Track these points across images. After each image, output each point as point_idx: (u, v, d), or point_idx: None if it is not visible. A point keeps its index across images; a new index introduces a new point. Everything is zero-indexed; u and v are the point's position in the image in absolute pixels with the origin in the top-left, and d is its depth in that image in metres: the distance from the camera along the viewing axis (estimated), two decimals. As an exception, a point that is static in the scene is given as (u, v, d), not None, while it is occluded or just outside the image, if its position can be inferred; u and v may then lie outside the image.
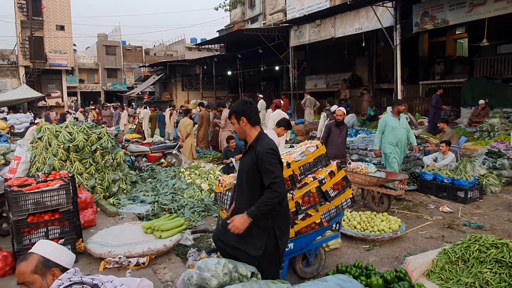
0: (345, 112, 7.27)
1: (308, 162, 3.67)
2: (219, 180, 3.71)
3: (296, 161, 3.58)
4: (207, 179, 7.44)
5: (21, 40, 31.37)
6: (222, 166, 8.61)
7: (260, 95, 16.96)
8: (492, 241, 3.45)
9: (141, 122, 17.51)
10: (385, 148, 6.72)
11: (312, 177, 3.64)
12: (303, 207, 3.51)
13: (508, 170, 7.57)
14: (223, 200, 3.50)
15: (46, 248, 2.02)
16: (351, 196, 3.88)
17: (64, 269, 2.00)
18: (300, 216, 3.51)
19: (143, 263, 4.17)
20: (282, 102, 13.78)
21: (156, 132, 16.08)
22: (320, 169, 3.75)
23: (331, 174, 3.70)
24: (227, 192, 3.43)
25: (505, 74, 12.79)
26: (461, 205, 6.25)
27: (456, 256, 3.48)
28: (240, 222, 2.70)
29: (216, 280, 2.87)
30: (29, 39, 31.43)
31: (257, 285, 2.64)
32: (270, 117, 8.52)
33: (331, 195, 3.67)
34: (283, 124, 5.89)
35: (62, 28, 34.09)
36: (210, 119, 11.97)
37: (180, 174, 7.90)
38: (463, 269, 3.37)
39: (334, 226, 3.94)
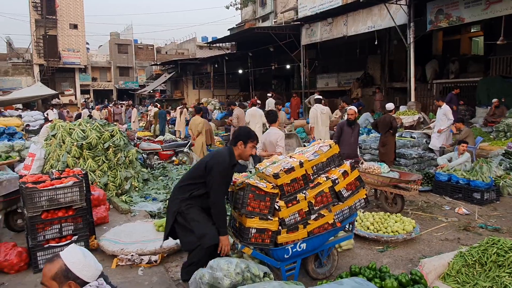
0: (356, 111, 7.19)
1: (321, 161, 3.62)
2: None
3: (309, 161, 3.54)
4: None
5: (35, 38, 31.84)
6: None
7: (268, 94, 17.06)
8: (511, 244, 3.36)
9: (152, 120, 17.67)
10: None
11: (325, 176, 3.60)
12: (316, 207, 3.48)
13: (526, 171, 7.40)
14: (235, 199, 3.48)
15: (72, 257, 1.93)
16: (364, 196, 3.82)
17: (84, 283, 1.91)
18: (313, 216, 3.48)
19: (155, 261, 4.19)
20: (259, 101, 14.38)
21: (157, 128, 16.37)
22: (333, 169, 3.70)
23: (345, 174, 3.65)
24: (239, 192, 3.41)
25: (522, 73, 12.50)
26: (477, 207, 6.12)
27: (473, 259, 3.40)
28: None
29: (228, 279, 2.86)
30: (43, 37, 31.88)
31: (270, 285, 2.62)
32: (247, 114, 9.70)
33: (344, 195, 3.62)
34: (274, 118, 5.92)
35: (75, 26, 34.50)
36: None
37: (191, 172, 7.91)
38: (480, 273, 3.30)
39: (347, 226, 3.89)
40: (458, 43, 17.01)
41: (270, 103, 14.92)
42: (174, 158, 9.75)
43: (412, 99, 12.25)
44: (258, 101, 14.56)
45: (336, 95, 18.67)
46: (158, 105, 18.97)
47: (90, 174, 6.18)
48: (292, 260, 3.51)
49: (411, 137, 9.50)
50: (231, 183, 3.54)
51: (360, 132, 9.50)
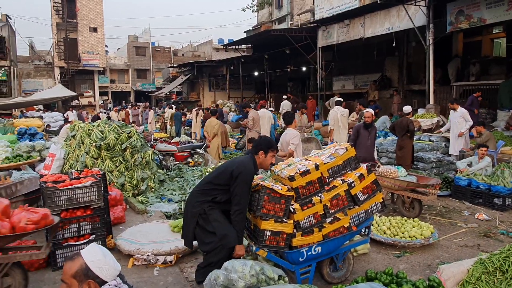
0: (373, 113, 7.10)
1: (337, 164, 3.59)
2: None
3: (324, 163, 3.51)
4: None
5: (56, 41, 32.65)
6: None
7: (284, 96, 17.14)
8: (534, 252, 3.26)
9: (167, 122, 17.99)
10: None
11: (341, 180, 3.56)
12: (331, 211, 3.45)
13: (550, 177, 7.15)
14: (250, 201, 3.47)
15: (92, 256, 1.96)
16: (381, 200, 3.76)
17: (103, 282, 1.94)
18: (328, 220, 3.45)
19: (171, 262, 4.22)
20: (269, 102, 14.68)
21: (173, 129, 16.81)
22: (350, 172, 3.66)
23: (361, 177, 3.61)
24: (254, 194, 3.40)
25: (547, 76, 12.12)
26: (498, 213, 5.95)
27: (494, 266, 3.30)
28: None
29: (243, 281, 2.86)
30: (64, 40, 32.66)
31: (285, 289, 2.60)
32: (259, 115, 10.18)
33: (360, 199, 3.58)
34: (289, 120, 6.14)
35: (95, 30, 35.23)
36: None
37: (207, 173, 7.96)
38: (501, 281, 3.20)
39: (363, 230, 3.84)
40: (479, 45, 16.62)
41: (285, 105, 14.92)
42: (189, 159, 9.82)
43: (431, 101, 12.03)
44: (268, 103, 14.78)
45: (353, 98, 18.47)
46: (174, 107, 19.27)
47: (108, 175, 6.28)
48: (307, 264, 3.48)
49: (430, 140, 9.32)
50: None
51: (377, 135, 9.38)
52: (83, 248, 2.03)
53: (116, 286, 1.96)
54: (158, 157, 8.86)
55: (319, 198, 3.41)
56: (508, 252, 3.36)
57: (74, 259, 1.96)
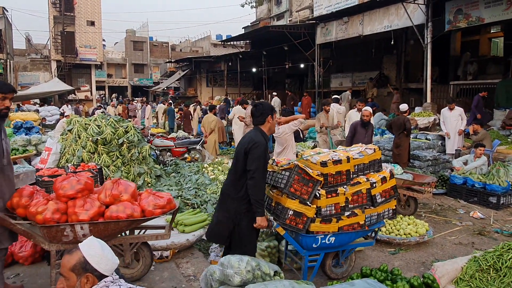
0: (371, 112, 7.12)
1: (363, 162, 3.65)
2: (273, 159, 3.74)
3: (353, 158, 3.57)
4: (230, 175, 7.46)
5: (53, 35, 32.42)
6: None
7: (274, 93, 17.62)
8: (527, 250, 3.29)
9: (157, 117, 18.64)
10: None
11: (366, 178, 3.62)
12: (351, 205, 3.52)
13: (544, 176, 7.20)
14: (277, 179, 3.50)
15: (90, 249, 1.97)
16: (394, 207, 3.80)
17: (101, 275, 1.95)
18: (346, 213, 3.51)
19: (167, 257, 4.23)
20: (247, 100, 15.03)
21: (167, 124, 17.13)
22: (372, 173, 3.71)
23: (383, 180, 3.66)
24: (283, 172, 3.44)
25: (543, 75, 12.18)
26: (493, 211, 6.00)
27: (488, 264, 3.33)
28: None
29: (239, 277, 2.86)
30: (61, 34, 32.45)
31: (280, 284, 2.62)
32: (232, 111, 11.35)
33: (378, 201, 3.63)
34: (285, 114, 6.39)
35: (92, 23, 35.00)
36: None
37: (204, 169, 7.96)
38: (494, 278, 3.23)
39: (370, 233, 3.90)
40: (477, 44, 16.66)
41: (275, 102, 15.10)
42: (186, 155, 9.81)
43: (428, 100, 12.06)
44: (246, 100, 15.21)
45: (351, 95, 18.48)
46: (167, 102, 19.69)
47: (104, 169, 6.27)
48: (317, 252, 3.55)
49: (426, 139, 9.36)
50: (275, 164, 3.59)
51: (374, 133, 9.40)
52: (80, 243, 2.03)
53: (112, 281, 1.96)
54: (155, 152, 8.84)
55: (344, 189, 3.47)
56: (502, 250, 3.39)
57: (72, 252, 1.97)
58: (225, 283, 2.94)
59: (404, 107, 8.23)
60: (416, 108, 12.73)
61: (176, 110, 17.21)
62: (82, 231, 3.21)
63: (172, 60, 34.34)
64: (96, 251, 1.97)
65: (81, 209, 3.22)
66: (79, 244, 2.01)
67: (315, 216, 3.38)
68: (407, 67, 17.09)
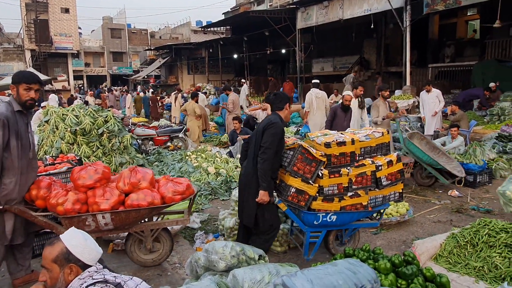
0: (352, 96, 7.18)
1: (370, 145, 3.69)
2: None
3: (360, 141, 3.62)
4: (214, 162, 7.45)
5: (26, 23, 31.22)
6: (228, 149, 8.60)
7: (243, 80, 17.89)
8: (502, 225, 3.41)
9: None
10: None
11: (371, 160, 3.67)
12: (354, 186, 3.59)
13: (519, 154, 7.46)
14: (282, 157, 3.61)
15: (72, 239, 1.94)
16: (400, 190, 3.87)
17: (85, 265, 1.92)
18: (349, 194, 3.58)
19: (151, 245, 4.20)
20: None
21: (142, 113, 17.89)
22: (379, 156, 3.77)
23: (389, 163, 3.70)
24: (287, 151, 3.56)
25: (518, 57, 12.48)
26: (470, 189, 6.19)
27: (465, 240, 3.45)
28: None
29: (223, 262, 2.88)
30: (34, 22, 31.27)
31: (265, 268, 2.65)
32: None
33: (383, 183, 3.69)
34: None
35: (67, 11, 33.83)
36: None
37: (187, 157, 7.91)
38: (471, 253, 3.35)
39: (375, 215, 3.98)
40: (454, 27, 16.92)
41: (245, 89, 15.20)
42: (169, 143, 9.72)
43: (408, 83, 12.24)
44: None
45: (332, 80, 18.58)
46: (138, 92, 20.20)
47: (85, 160, 6.15)
48: (318, 229, 3.64)
49: (406, 121, 9.52)
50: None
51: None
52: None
53: (96, 271, 1.94)
54: (137, 141, 8.72)
55: (347, 171, 3.54)
56: (478, 226, 3.51)
57: (53, 244, 1.94)
58: (210, 269, 2.96)
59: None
60: (396, 91, 12.91)
61: (158, 98, 17.28)
62: (104, 220, 3.27)
63: (152, 48, 33.65)
64: (78, 241, 1.94)
65: (102, 198, 3.26)
66: (61, 235, 1.98)
67: (317, 194, 3.49)
68: (387, 50, 17.25)
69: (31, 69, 24.91)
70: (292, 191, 3.42)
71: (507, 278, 2.98)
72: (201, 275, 2.97)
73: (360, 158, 3.65)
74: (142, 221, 3.61)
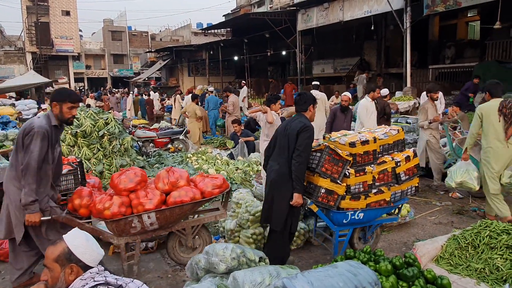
0: (350, 97, 7.20)
1: (388, 143, 3.80)
2: None
3: (379, 139, 3.72)
4: (214, 164, 7.44)
5: (27, 26, 31.32)
6: (229, 151, 8.60)
7: (243, 82, 17.88)
8: (503, 227, 3.40)
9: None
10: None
11: (391, 157, 3.78)
12: (377, 183, 3.68)
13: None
14: (309, 160, 3.67)
15: (74, 240, 1.96)
16: (416, 184, 3.97)
17: (86, 266, 1.93)
18: (373, 190, 3.67)
19: (152, 248, 4.21)
20: (194, 91, 15.57)
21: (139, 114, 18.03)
22: (396, 152, 3.88)
23: (407, 159, 3.81)
24: (314, 153, 3.63)
25: (518, 58, 12.48)
26: (470, 191, 6.16)
27: (466, 242, 3.43)
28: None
29: (224, 264, 2.88)
30: (35, 24, 31.38)
31: (265, 270, 2.64)
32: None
33: (402, 179, 3.79)
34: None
35: (67, 13, 33.94)
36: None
37: (187, 159, 7.91)
38: (472, 255, 3.34)
39: (394, 209, 4.05)
40: (455, 28, 16.92)
41: (244, 91, 15.25)
42: (169, 145, 9.73)
43: (408, 84, 12.24)
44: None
45: (332, 82, 18.60)
46: (136, 93, 20.35)
47: (85, 162, 6.15)
48: (346, 227, 3.71)
49: (407, 122, 9.51)
50: None
51: (354, 117, 9.49)
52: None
53: (97, 273, 1.95)
54: (138, 143, 8.73)
55: (371, 168, 3.63)
56: (480, 228, 3.50)
57: (56, 243, 1.95)
58: (210, 271, 2.95)
59: (384, 91, 8.32)
60: (396, 92, 12.91)
61: (159, 100, 17.39)
62: (149, 220, 3.37)
63: (152, 50, 33.69)
64: (80, 242, 1.96)
65: (145, 199, 3.37)
66: (64, 235, 2.00)
67: (345, 193, 3.56)
68: (387, 52, 17.25)
69: (32, 72, 25.00)
70: (322, 191, 3.50)
71: (508, 280, 2.96)
72: (202, 277, 2.96)
73: (380, 155, 3.76)
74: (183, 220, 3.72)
